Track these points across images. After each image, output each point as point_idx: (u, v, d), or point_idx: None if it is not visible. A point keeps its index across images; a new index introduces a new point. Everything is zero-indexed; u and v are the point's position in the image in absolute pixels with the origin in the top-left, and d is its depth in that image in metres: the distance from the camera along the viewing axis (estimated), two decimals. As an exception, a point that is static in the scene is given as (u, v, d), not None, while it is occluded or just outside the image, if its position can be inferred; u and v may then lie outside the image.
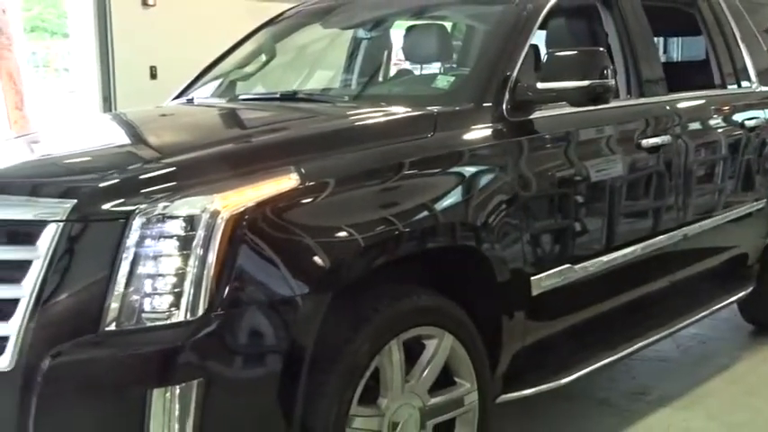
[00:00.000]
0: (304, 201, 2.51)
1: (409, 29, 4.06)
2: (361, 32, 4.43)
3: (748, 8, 4.92)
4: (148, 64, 6.72)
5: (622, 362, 4.10)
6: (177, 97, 4.16)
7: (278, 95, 3.78)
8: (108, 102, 6.53)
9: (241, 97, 4.02)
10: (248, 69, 4.29)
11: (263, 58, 4.36)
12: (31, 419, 2.31)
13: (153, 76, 6.72)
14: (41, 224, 2.35)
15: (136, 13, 6.66)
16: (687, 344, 4.89)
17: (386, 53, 4.36)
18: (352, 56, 4.46)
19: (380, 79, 4.34)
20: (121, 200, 2.37)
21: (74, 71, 7.33)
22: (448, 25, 4.06)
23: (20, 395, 2.31)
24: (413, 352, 2.79)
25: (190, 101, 4.04)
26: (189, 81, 4.24)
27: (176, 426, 2.27)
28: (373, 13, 4.44)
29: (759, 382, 4.38)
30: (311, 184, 2.53)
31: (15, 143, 3.38)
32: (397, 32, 4.06)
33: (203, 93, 4.12)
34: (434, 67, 4.08)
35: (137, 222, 2.31)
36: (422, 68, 4.12)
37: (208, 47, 6.27)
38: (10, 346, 2.31)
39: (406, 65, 4.18)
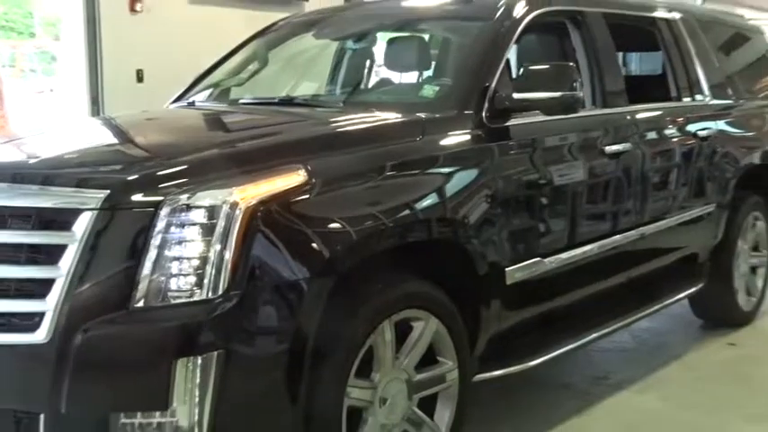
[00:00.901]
0: (310, 195, 2.70)
1: (392, 40, 4.25)
2: (350, 43, 4.58)
3: (703, 27, 5.14)
4: (135, 67, 6.83)
5: (584, 350, 4.37)
6: (176, 101, 4.29)
7: (276, 100, 3.96)
8: (96, 103, 6.64)
9: (241, 101, 4.16)
10: (243, 76, 4.42)
11: (257, 65, 4.50)
12: (65, 387, 2.48)
13: (140, 79, 6.83)
14: (77, 212, 2.52)
15: (124, 18, 6.77)
16: (643, 335, 5.10)
17: (372, 62, 4.47)
18: (339, 64, 4.60)
19: (369, 87, 4.49)
20: (149, 191, 2.55)
21: (61, 72, 7.43)
22: (432, 38, 4.24)
23: (54, 365, 2.48)
24: (402, 333, 3.00)
25: (191, 104, 4.17)
26: (186, 86, 4.39)
27: (197, 393, 2.46)
28: (360, 26, 4.60)
29: (709, 370, 4.61)
30: (317, 180, 2.72)
31: (37, 140, 3.52)
32: (383, 43, 4.22)
33: (200, 97, 4.25)
34: (414, 77, 4.26)
35: (164, 211, 2.50)
36: (396, 78, 4.30)
37: (191, 52, 6.54)
38: (47, 321, 2.49)
39: (387, 73, 4.35)
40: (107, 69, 6.69)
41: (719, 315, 5.29)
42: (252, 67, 4.48)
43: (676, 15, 4.97)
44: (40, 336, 2.50)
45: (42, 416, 2.55)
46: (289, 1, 7.76)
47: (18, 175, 2.78)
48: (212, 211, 2.52)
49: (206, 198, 2.54)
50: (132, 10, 6.82)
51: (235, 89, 4.36)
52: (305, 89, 4.46)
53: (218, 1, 7.40)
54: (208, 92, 4.33)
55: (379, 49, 4.23)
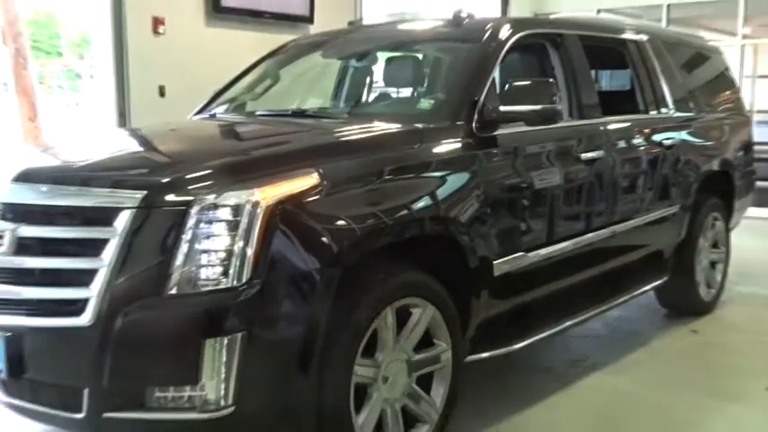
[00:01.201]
0: (321, 196, 2.77)
1: (391, 59, 4.32)
2: (353, 61, 4.63)
3: (668, 47, 5.20)
4: (158, 84, 6.89)
5: (562, 337, 4.43)
6: (198, 113, 4.34)
7: (289, 112, 4.02)
8: (123, 116, 6.71)
9: (257, 113, 4.22)
10: (257, 91, 4.47)
11: (270, 81, 4.55)
12: (107, 365, 2.57)
13: (161, 94, 6.89)
14: (118, 210, 2.61)
15: (147, 40, 6.84)
16: (614, 323, 5.16)
17: (373, 79, 4.52)
18: (343, 80, 4.65)
19: (370, 100, 4.55)
20: (181, 192, 2.63)
21: (88, 88, 7.49)
22: (427, 58, 4.31)
23: (97, 345, 2.57)
24: (402, 319, 3.07)
25: (212, 116, 4.22)
26: (207, 100, 4.43)
27: (223, 369, 2.54)
28: (362, 46, 4.66)
29: (674, 354, 4.67)
30: (327, 182, 2.79)
31: (76, 148, 3.59)
32: (382, 62, 4.29)
33: (220, 110, 4.30)
34: (411, 91, 4.32)
35: (194, 210, 2.58)
36: (394, 93, 4.36)
37: (207, 70, 6.62)
38: (90, 306, 2.58)
39: (387, 88, 4.39)
40: (133, 86, 6.76)
41: (683, 305, 5.33)
42: (266, 83, 4.53)
43: (644, 37, 5.03)
44: (85, 319, 2.59)
45: (86, 390, 2.63)
46: (294, 25, 7.81)
47: (66, 177, 2.88)
48: (237, 210, 2.59)
49: (231, 198, 2.61)
50: (155, 32, 6.89)
51: (250, 102, 4.41)
52: (312, 102, 4.52)
53: (231, 25, 7.47)
54: (226, 105, 4.37)
55: (380, 67, 4.28)
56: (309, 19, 8.01)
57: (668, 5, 10.12)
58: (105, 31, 6.72)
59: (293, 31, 6.99)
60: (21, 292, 2.77)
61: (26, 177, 2.90)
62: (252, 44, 6.87)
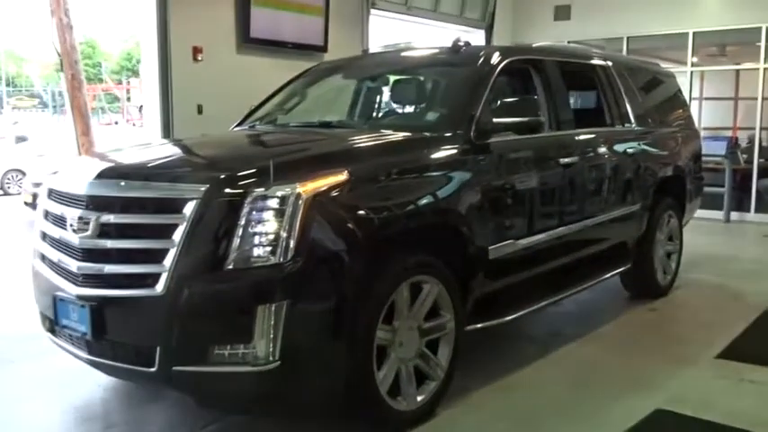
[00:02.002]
0: (351, 190, 2.91)
1: (401, 80, 4.46)
2: (368, 82, 4.74)
3: (629, 72, 5.33)
4: (196, 102, 7.02)
5: (542, 313, 4.54)
6: (238, 125, 4.45)
7: (317, 124, 4.14)
8: (167, 129, 6.86)
9: (290, 125, 4.34)
10: (287, 107, 4.57)
11: (298, 99, 4.67)
12: (176, 327, 2.72)
13: (199, 111, 7.01)
14: (186, 200, 2.75)
15: (188, 65, 6.97)
16: (585, 303, 5.26)
17: (385, 96, 4.65)
18: (359, 98, 4.73)
19: (384, 114, 4.66)
20: (237, 186, 2.76)
21: (130, 110, 7.62)
22: (431, 79, 4.44)
23: (168, 310, 2.72)
24: (414, 293, 3.20)
25: (251, 127, 4.33)
26: (244, 115, 4.54)
27: (272, 330, 2.67)
28: (376, 70, 4.81)
29: (636, 328, 4.81)
30: (355, 179, 2.94)
31: (143, 152, 3.71)
32: (393, 82, 4.44)
33: (256, 123, 4.38)
34: (419, 107, 4.37)
35: (248, 200, 2.72)
36: (403, 108, 4.45)
37: (238, 91, 6.74)
38: (162, 279, 2.72)
39: (398, 104, 4.49)
40: (175, 104, 6.89)
41: (643, 289, 5.42)
42: (294, 101, 4.63)
43: (609, 62, 5.18)
44: (158, 289, 2.73)
45: (158, 348, 2.77)
46: (311, 54, 7.94)
47: (141, 174, 3.04)
48: (283, 200, 2.73)
49: (278, 190, 2.74)
50: (195, 59, 7.03)
51: (282, 117, 4.50)
52: (335, 116, 4.59)
53: (258, 53, 7.59)
54: (261, 119, 4.46)
55: (392, 87, 4.42)
56: (324, 48, 8.14)
57: (627, 38, 10.31)
58: (152, 58, 6.86)
59: (310, 59, 7.10)
60: (103, 268, 2.91)
61: (107, 174, 3.04)
62: (275, 69, 6.99)
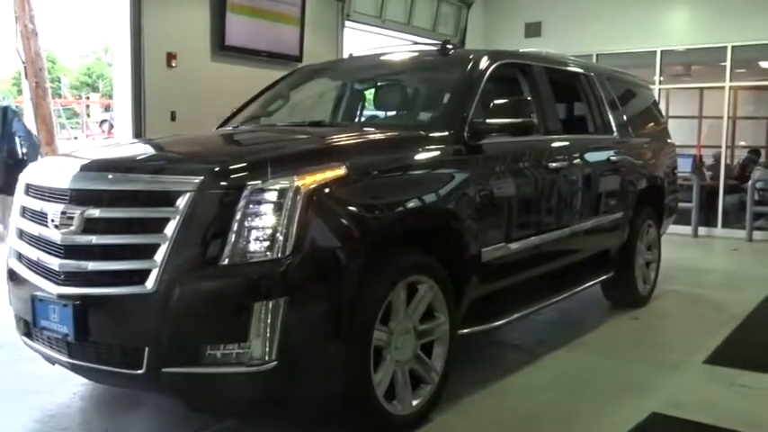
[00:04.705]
0: (349, 185, 2.83)
1: (392, 81, 4.42)
2: (360, 83, 4.71)
3: (609, 81, 5.34)
4: (169, 110, 6.88)
5: (526, 321, 4.52)
6: (220, 127, 4.33)
7: (307, 123, 4.04)
8: (139, 136, 6.68)
9: (279, 125, 4.19)
10: (272, 108, 4.48)
11: (282, 101, 4.58)
12: (167, 326, 2.58)
13: (173, 118, 6.87)
14: (179, 193, 2.62)
15: (161, 71, 6.83)
16: (567, 313, 5.24)
17: (378, 96, 4.47)
18: (347, 99, 4.70)
19: (376, 113, 4.57)
20: (233, 178, 2.65)
21: (115, 115, 7.45)
22: (422, 81, 4.41)
23: (159, 309, 2.58)
24: (409, 295, 3.11)
25: (236, 128, 4.20)
26: (226, 117, 4.43)
27: (269, 328, 2.56)
28: (364, 72, 4.75)
29: (619, 335, 4.79)
30: (353, 174, 2.85)
31: (130, 147, 3.59)
32: (385, 84, 4.39)
33: (240, 124, 4.27)
34: (411, 107, 4.39)
35: (245, 192, 2.61)
36: (395, 109, 4.41)
37: (212, 98, 6.67)
38: (153, 275, 2.59)
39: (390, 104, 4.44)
40: (148, 111, 6.74)
41: (625, 298, 5.42)
42: (280, 102, 4.55)
43: (591, 72, 5.22)
44: (148, 287, 2.59)
45: (147, 348, 2.63)
46: (286, 63, 7.86)
47: (132, 166, 2.91)
48: (280, 194, 2.62)
49: (276, 183, 2.64)
50: (168, 65, 6.89)
51: (267, 118, 4.40)
52: (323, 117, 4.52)
53: (232, 60, 7.48)
54: (245, 120, 4.36)
55: (384, 88, 4.37)
56: (299, 58, 8.07)
57: (597, 55, 10.46)
58: (125, 63, 6.70)
59: (285, 68, 6.98)
60: (87, 265, 2.76)
61: (93, 167, 2.90)
62: (250, 78, 6.89)
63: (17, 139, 5.85)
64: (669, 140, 6.31)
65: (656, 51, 10.25)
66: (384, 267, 2.95)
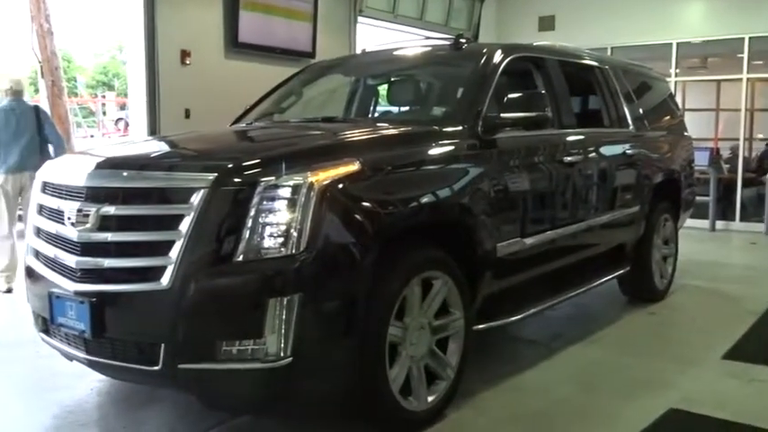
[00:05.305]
0: (363, 180, 2.82)
1: (406, 76, 4.39)
2: (373, 79, 4.69)
3: (624, 74, 5.28)
4: (184, 107, 6.91)
5: (542, 316, 4.48)
6: (234, 123, 4.33)
7: (320, 119, 4.02)
8: (154, 133, 6.72)
9: (292, 121, 4.19)
10: (284, 105, 4.47)
11: (295, 97, 4.58)
12: (182, 322, 2.59)
13: (187, 116, 6.91)
14: (193, 190, 2.62)
15: (175, 69, 6.86)
16: (583, 308, 5.21)
17: (391, 91, 4.41)
18: (360, 94, 4.67)
19: (390, 108, 4.55)
20: (246, 175, 2.66)
21: (130, 113, 7.49)
22: (435, 75, 4.39)
23: (174, 305, 2.59)
24: (424, 290, 3.10)
25: (250, 124, 4.20)
26: (240, 114, 4.43)
27: (284, 325, 2.56)
28: (378, 67, 4.72)
29: (636, 330, 4.76)
30: (367, 169, 2.84)
31: (144, 145, 3.59)
32: (398, 79, 4.37)
33: (254, 121, 4.25)
34: (425, 102, 4.34)
35: (259, 189, 2.60)
36: (408, 104, 4.36)
37: (225, 95, 6.67)
38: (168, 272, 2.60)
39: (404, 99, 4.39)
40: (163, 108, 6.77)
41: (641, 292, 5.38)
42: (293, 99, 4.55)
43: (606, 65, 5.17)
44: (163, 283, 2.60)
45: (163, 345, 2.64)
46: (299, 59, 7.86)
47: (147, 164, 2.91)
48: (294, 189, 2.62)
49: (290, 179, 2.64)
50: (183, 63, 6.92)
51: (280, 115, 4.40)
52: (336, 112, 4.50)
53: (246, 57, 7.51)
54: (258, 116, 4.35)
55: (397, 83, 4.35)
56: (312, 54, 8.08)
57: (612, 48, 10.38)
58: (139, 61, 6.73)
59: (298, 64, 6.98)
60: (103, 262, 2.77)
61: (108, 165, 2.92)
62: (263, 74, 6.91)
63: (49, 146, 5.88)
64: (686, 133, 6.24)
65: (671, 43, 10.17)
66: (398, 263, 2.94)
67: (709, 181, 9.75)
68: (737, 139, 10.22)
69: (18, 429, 3.21)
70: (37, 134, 5.81)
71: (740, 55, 9.76)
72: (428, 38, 5.00)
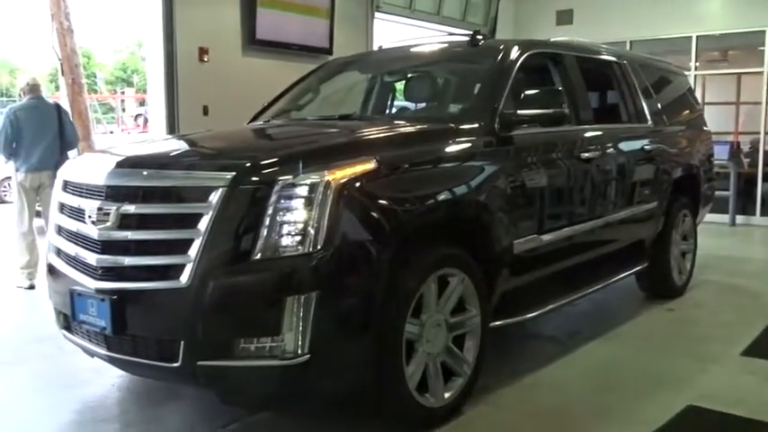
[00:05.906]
0: (380, 179, 2.82)
1: (422, 73, 4.39)
2: (391, 76, 4.69)
3: (642, 69, 5.25)
4: (202, 104, 6.95)
5: (560, 313, 4.48)
6: (251, 121, 4.35)
7: (337, 117, 4.03)
8: (173, 130, 6.77)
9: (310, 118, 4.22)
10: (301, 103, 4.49)
11: (312, 94, 4.60)
12: (201, 320, 2.61)
13: (205, 113, 6.95)
14: (211, 189, 2.64)
15: (194, 66, 6.90)
16: (601, 304, 5.19)
17: (408, 89, 4.35)
18: (377, 91, 4.68)
19: (407, 106, 4.56)
20: (264, 174, 2.67)
21: (149, 109, 7.55)
22: (451, 72, 4.38)
23: (193, 303, 2.61)
24: (441, 287, 3.11)
25: (267, 122, 4.22)
26: (257, 111, 4.44)
27: (301, 322, 2.57)
28: (394, 64, 4.71)
29: (654, 327, 4.74)
30: (384, 168, 2.85)
31: (162, 144, 3.62)
32: (415, 76, 4.37)
33: (271, 118, 4.27)
34: (442, 99, 4.36)
35: (277, 188, 2.62)
36: (425, 101, 4.37)
37: (243, 92, 6.70)
38: (187, 270, 2.62)
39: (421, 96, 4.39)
40: (181, 105, 6.81)
41: (660, 288, 5.34)
42: (310, 96, 4.56)
43: (624, 60, 5.14)
44: (183, 281, 2.62)
45: (182, 342, 2.66)
46: (316, 56, 7.87)
47: (166, 163, 2.93)
48: (311, 188, 2.63)
49: (307, 178, 2.65)
50: (201, 60, 6.96)
51: (298, 112, 4.42)
52: (353, 110, 4.50)
53: (263, 55, 7.54)
54: (276, 114, 4.37)
55: (414, 80, 4.35)
56: (329, 51, 8.09)
57: (630, 42, 10.30)
58: (158, 59, 6.78)
59: (315, 61, 6.99)
60: (123, 260, 2.81)
61: (128, 164, 2.95)
62: (280, 71, 6.95)
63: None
64: (705, 128, 6.19)
65: (691, 37, 10.07)
66: (415, 260, 2.95)
67: (730, 175, 9.65)
68: (758, 133, 10.10)
69: (40, 425, 3.25)
70: (58, 134, 5.86)
71: (761, 48, 9.64)
72: (451, 34, 4.96)
